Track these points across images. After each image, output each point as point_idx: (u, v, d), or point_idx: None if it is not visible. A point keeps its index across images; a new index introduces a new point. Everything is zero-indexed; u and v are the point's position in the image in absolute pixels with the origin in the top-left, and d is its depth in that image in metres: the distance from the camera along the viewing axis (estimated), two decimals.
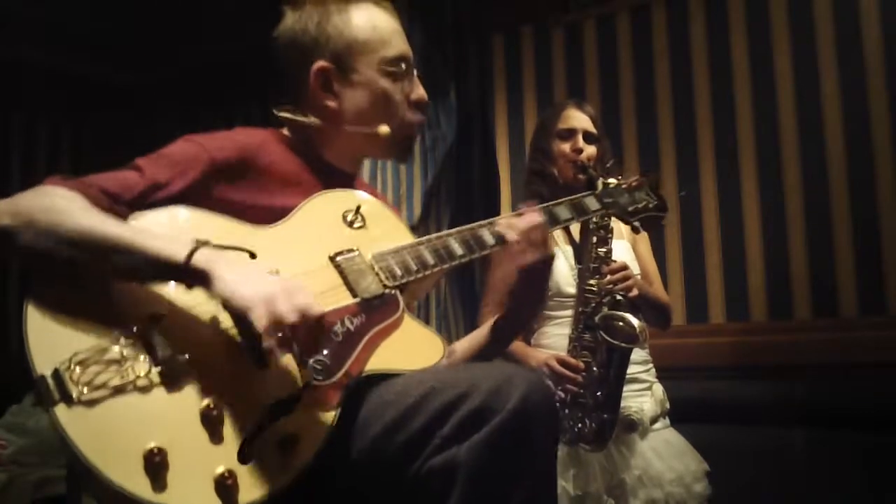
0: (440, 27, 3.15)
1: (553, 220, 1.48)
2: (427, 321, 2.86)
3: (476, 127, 3.26)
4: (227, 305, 1.07)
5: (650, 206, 1.66)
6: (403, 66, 1.41)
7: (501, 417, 1.01)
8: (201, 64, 4.10)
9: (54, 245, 1.07)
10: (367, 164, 2.93)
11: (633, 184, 1.69)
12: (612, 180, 1.74)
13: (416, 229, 2.90)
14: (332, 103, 1.39)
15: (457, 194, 3.17)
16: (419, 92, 1.44)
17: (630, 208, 1.66)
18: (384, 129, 1.39)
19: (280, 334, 1.04)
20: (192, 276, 1.08)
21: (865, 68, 2.91)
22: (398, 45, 1.41)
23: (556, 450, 1.13)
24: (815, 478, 2.63)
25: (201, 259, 1.07)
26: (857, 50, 2.93)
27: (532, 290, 1.47)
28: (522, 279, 1.44)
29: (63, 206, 1.10)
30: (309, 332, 1.05)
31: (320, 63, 1.38)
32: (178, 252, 1.07)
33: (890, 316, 2.80)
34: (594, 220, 2.09)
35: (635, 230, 1.68)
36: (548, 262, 1.44)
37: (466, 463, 1.01)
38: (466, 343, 1.53)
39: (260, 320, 1.02)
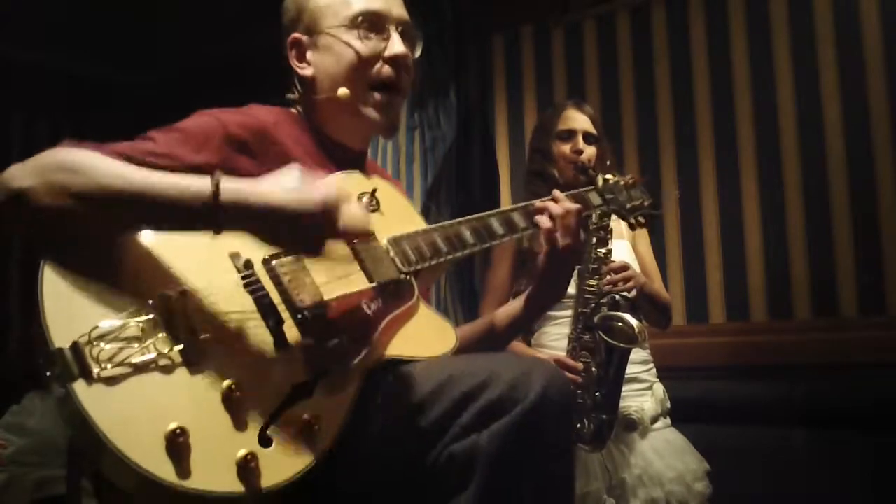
0: (440, 27, 3.15)
1: None
2: None
3: (476, 127, 3.26)
4: (279, 215, 1.04)
5: (645, 203, 1.72)
6: (370, 22, 1.35)
7: (523, 408, 1.02)
8: (201, 64, 4.10)
9: (74, 201, 1.01)
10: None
11: (630, 181, 1.74)
12: (609, 176, 1.76)
13: None
14: (306, 72, 1.40)
15: (457, 194, 3.17)
16: (394, 48, 1.36)
17: (628, 205, 1.69)
18: (342, 90, 1.34)
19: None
20: (221, 213, 1.02)
21: (865, 68, 2.91)
22: (365, 1, 1.36)
23: (573, 442, 1.15)
24: (815, 478, 2.63)
25: (228, 193, 1.03)
26: (857, 50, 2.92)
27: (557, 278, 1.45)
28: (549, 265, 1.42)
29: (80, 160, 1.05)
30: (324, 317, 1.06)
31: (292, 35, 1.40)
32: (202, 189, 1.02)
33: (890, 316, 2.79)
34: (593, 220, 2.09)
35: (632, 227, 1.72)
36: (578, 250, 1.42)
37: (488, 451, 1.02)
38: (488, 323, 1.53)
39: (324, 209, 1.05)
